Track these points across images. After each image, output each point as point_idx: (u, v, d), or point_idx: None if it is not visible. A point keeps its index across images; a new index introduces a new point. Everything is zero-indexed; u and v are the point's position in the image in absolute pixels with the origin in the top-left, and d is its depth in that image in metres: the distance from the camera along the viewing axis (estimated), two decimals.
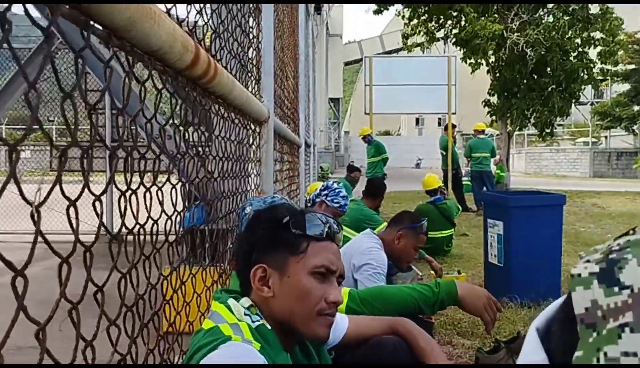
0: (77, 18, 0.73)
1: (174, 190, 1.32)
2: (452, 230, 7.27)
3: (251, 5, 2.25)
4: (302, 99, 6.24)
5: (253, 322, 1.25)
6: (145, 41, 0.93)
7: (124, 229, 0.89)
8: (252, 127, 2.39)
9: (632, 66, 27.81)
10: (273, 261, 1.30)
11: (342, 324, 1.69)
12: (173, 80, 1.20)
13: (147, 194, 1.02)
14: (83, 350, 0.76)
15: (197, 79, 1.31)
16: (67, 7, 0.70)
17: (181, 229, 1.43)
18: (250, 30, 2.30)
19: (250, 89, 2.32)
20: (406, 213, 3.34)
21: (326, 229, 1.32)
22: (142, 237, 1.00)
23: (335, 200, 3.74)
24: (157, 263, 1.16)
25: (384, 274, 3.00)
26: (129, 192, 0.92)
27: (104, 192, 0.80)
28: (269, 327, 1.26)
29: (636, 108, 28.49)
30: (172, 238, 1.30)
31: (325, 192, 3.83)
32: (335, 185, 3.91)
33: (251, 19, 2.29)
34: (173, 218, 1.30)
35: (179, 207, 1.33)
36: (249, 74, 2.32)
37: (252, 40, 2.32)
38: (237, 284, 1.84)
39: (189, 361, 1.17)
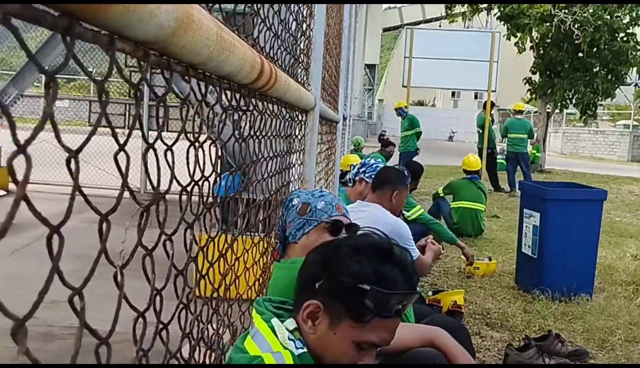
0: (161, 61, 0.73)
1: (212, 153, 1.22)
2: (483, 207, 7.22)
3: None
4: (343, 73, 6.17)
5: (297, 349, 1.24)
6: (219, 69, 0.92)
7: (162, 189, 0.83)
8: (299, 117, 2.38)
9: None
10: (330, 308, 1.25)
11: None
12: (236, 93, 1.19)
13: (190, 154, 0.96)
14: (135, 321, 0.73)
15: (258, 89, 1.30)
16: (154, 53, 0.69)
17: (219, 196, 1.35)
18: (304, 20, 2.27)
19: (299, 79, 2.30)
20: (388, 172, 3.41)
21: (398, 308, 1.23)
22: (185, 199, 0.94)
23: (373, 175, 3.79)
24: (206, 227, 1.13)
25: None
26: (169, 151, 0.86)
27: (175, 142, 0.75)
28: (311, 356, 1.25)
29: None
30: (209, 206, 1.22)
31: (363, 169, 3.88)
32: (372, 161, 3.94)
33: (305, 9, 2.25)
34: (213, 181, 1.21)
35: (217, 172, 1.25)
36: (300, 64, 2.30)
37: (305, 31, 2.29)
38: (277, 277, 1.86)
39: None
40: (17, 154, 0.40)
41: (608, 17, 14.18)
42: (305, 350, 1.25)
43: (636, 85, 31.27)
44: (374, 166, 3.83)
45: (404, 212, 5.17)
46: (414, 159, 11.47)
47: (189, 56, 0.76)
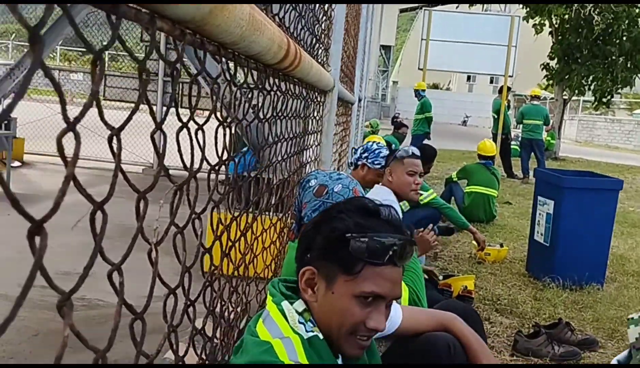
0: (195, 41, 0.73)
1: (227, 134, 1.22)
2: (497, 192, 7.20)
3: None
4: (360, 53, 6.13)
5: (307, 331, 1.25)
6: (248, 49, 0.92)
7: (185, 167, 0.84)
8: (318, 98, 2.37)
9: None
10: (323, 269, 1.26)
11: (396, 316, 1.70)
12: (262, 73, 1.19)
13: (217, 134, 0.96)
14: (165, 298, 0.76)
15: (283, 69, 1.30)
16: (190, 32, 0.70)
17: (233, 174, 1.37)
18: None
19: (319, 59, 2.29)
20: (391, 153, 3.34)
21: (389, 254, 1.23)
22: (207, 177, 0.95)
23: (376, 162, 3.78)
24: (229, 205, 1.14)
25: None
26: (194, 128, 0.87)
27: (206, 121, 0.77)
28: (321, 337, 1.26)
29: None
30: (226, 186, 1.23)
31: (366, 154, 3.87)
32: (374, 146, 3.92)
33: None
34: (227, 161, 1.23)
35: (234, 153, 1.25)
36: (321, 44, 2.28)
37: (326, 10, 2.27)
38: (291, 257, 1.88)
39: (235, 359, 1.21)
40: (67, 131, 0.41)
41: (628, 5, 13.91)
42: (314, 333, 1.26)
43: None
44: (376, 151, 3.83)
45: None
46: (423, 142, 11.48)
47: (222, 35, 0.76)
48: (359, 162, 3.90)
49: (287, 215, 2.07)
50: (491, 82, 46.05)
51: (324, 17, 2.28)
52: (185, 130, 0.75)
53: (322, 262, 1.27)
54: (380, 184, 3.22)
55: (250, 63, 1.05)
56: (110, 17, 0.49)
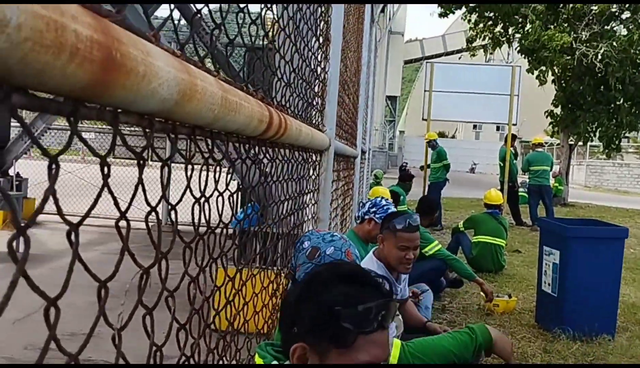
0: (166, 127, 0.77)
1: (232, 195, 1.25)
2: (505, 242, 7.15)
3: (320, 39, 2.27)
4: (361, 108, 6.23)
5: None
6: (225, 127, 0.96)
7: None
8: (313, 158, 2.42)
9: None
10: (314, 345, 1.24)
11: None
12: (245, 144, 1.23)
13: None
14: (154, 354, 0.78)
15: (268, 139, 1.34)
16: (160, 120, 0.73)
17: (237, 229, 1.38)
18: (318, 64, 2.32)
19: (314, 121, 2.35)
20: (388, 216, 3.18)
21: (378, 319, 1.23)
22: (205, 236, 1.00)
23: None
24: (223, 264, 1.16)
25: None
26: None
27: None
28: None
29: None
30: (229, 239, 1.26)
31: (374, 209, 3.85)
32: (383, 202, 3.92)
33: (320, 53, 2.31)
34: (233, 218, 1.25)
35: (237, 209, 1.29)
36: (314, 107, 2.34)
37: (319, 75, 2.34)
38: None
39: None
40: (17, 236, 0.44)
41: (633, 51, 14.11)
42: None
43: None
44: (384, 207, 3.82)
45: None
46: (442, 190, 11.48)
47: (193, 120, 0.80)
48: (367, 217, 3.90)
49: (282, 273, 2.09)
50: (497, 129, 46.36)
51: (317, 81, 2.35)
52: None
53: (312, 338, 1.24)
54: (373, 251, 3.16)
55: (231, 138, 1.09)
56: (70, 120, 0.52)
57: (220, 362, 1.33)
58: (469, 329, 2.38)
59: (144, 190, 0.67)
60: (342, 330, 1.21)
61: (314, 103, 2.29)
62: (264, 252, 1.78)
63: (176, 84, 0.66)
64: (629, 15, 14.59)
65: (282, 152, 1.69)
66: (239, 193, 1.38)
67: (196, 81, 0.74)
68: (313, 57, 2.09)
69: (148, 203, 0.75)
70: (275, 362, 1.30)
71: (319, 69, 2.32)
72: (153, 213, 0.76)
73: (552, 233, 4.80)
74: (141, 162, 0.66)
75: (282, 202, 1.77)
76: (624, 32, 14.71)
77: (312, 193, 2.47)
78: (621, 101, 14.95)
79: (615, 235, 4.65)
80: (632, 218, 14.00)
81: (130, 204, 0.67)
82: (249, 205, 1.57)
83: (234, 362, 1.49)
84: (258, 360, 1.33)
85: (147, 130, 0.70)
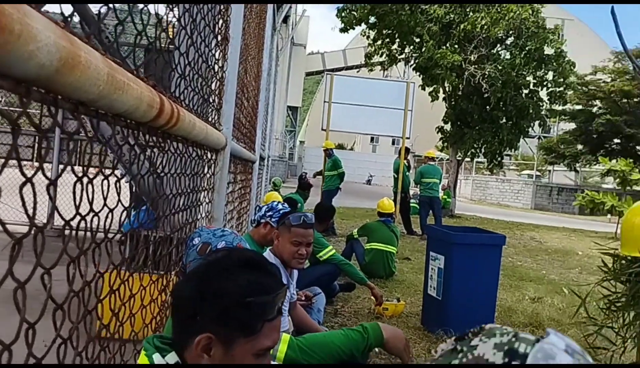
0: (47, 98, 0.75)
1: (118, 186, 1.17)
2: (396, 249, 7.44)
3: (219, 37, 2.27)
4: (261, 114, 6.25)
5: None
6: (111, 107, 0.95)
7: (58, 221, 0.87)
8: (209, 155, 2.40)
9: (579, 107, 29.09)
10: (221, 335, 1.23)
11: None
12: (135, 130, 1.21)
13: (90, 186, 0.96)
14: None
15: (159, 128, 1.32)
16: (40, 90, 0.71)
17: (122, 229, 1.34)
18: (216, 61, 2.31)
19: (210, 118, 2.33)
20: (284, 214, 3.26)
21: (279, 305, 1.28)
22: (81, 232, 0.95)
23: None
24: (94, 261, 1.10)
25: None
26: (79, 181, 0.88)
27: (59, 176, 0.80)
28: None
29: (579, 147, 29.79)
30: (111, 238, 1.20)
31: (270, 213, 3.85)
32: (279, 206, 3.93)
33: (218, 51, 2.30)
34: (117, 214, 1.20)
35: (125, 205, 1.23)
36: (211, 105, 2.33)
37: (216, 72, 2.33)
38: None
39: None
40: None
41: (514, 74, 15.26)
42: None
43: (539, 138, 33.60)
44: (281, 212, 3.83)
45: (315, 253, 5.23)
46: (335, 197, 11.78)
47: (77, 94, 0.78)
48: (262, 220, 3.88)
49: (171, 272, 2.05)
50: (393, 143, 48.16)
51: (215, 79, 2.34)
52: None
53: (219, 327, 1.24)
54: (269, 248, 3.19)
55: (118, 121, 1.07)
56: None
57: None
58: (362, 327, 2.46)
59: (18, 159, 0.64)
60: (252, 319, 1.23)
61: (211, 100, 2.28)
62: (155, 256, 1.75)
63: (57, 50, 0.65)
64: (512, 40, 15.78)
65: (174, 145, 1.67)
66: (129, 187, 1.35)
67: (80, 52, 0.73)
68: (210, 53, 2.09)
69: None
70: (156, 354, 1.27)
71: (216, 67, 2.32)
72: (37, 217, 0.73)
73: (438, 240, 5.06)
74: (15, 127, 0.64)
75: (174, 196, 1.75)
76: (508, 56, 15.88)
77: (206, 192, 2.45)
78: (504, 120, 16.10)
79: (494, 242, 4.98)
80: (511, 230, 15.06)
81: None
82: (143, 208, 1.54)
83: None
84: (142, 352, 1.30)
85: (24, 99, 0.68)
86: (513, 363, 0.68)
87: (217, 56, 2.28)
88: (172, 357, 1.28)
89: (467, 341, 0.74)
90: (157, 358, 1.25)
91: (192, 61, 1.67)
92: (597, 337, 2.74)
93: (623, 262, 2.78)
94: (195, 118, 1.70)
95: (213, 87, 2.27)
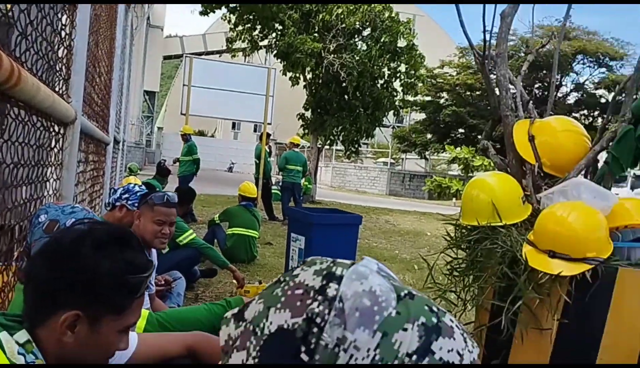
0: None
1: None
2: (257, 234, 7.48)
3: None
4: (115, 94, 5.94)
5: (27, 362, 1.16)
6: None
7: None
8: (56, 129, 2.24)
9: (429, 98, 31.23)
10: (88, 311, 1.21)
11: (131, 344, 1.66)
12: None
13: None
14: None
15: None
16: None
17: None
18: (63, 27, 2.16)
19: (57, 88, 2.18)
20: (146, 194, 3.18)
21: (146, 284, 1.27)
22: None
23: (136, 204, 3.64)
24: None
25: None
26: None
27: None
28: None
29: (429, 136, 32.03)
30: None
31: (126, 195, 3.68)
32: (136, 188, 3.79)
33: (65, 17, 2.15)
34: None
35: None
36: (57, 73, 2.17)
37: (63, 39, 2.17)
38: (20, 300, 1.71)
39: None
40: None
41: (370, 64, 15.96)
42: (37, 362, 1.17)
43: (393, 127, 35.55)
44: (138, 194, 3.68)
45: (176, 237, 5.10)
46: (190, 183, 11.53)
47: None
48: (118, 203, 3.69)
49: (11, 258, 1.89)
50: (255, 130, 48.17)
51: (61, 45, 2.19)
52: None
53: (88, 305, 1.20)
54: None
55: None
56: None
57: None
58: (225, 301, 2.46)
59: None
60: (125, 297, 1.22)
61: (58, 68, 2.13)
62: None
63: None
64: (368, 32, 16.48)
65: (15, 110, 1.54)
66: None
67: None
68: (56, 17, 1.94)
69: None
70: (3, 332, 1.18)
71: (63, 33, 2.16)
72: None
73: (298, 221, 5.18)
74: None
75: (15, 166, 1.61)
76: (364, 47, 16.56)
77: (54, 168, 2.29)
78: (361, 109, 16.80)
79: (352, 221, 5.22)
80: (368, 214, 15.81)
81: None
82: None
83: None
84: None
85: None
86: (330, 284, 0.73)
87: (63, 21, 2.12)
88: (22, 335, 1.20)
89: (290, 272, 0.78)
90: (4, 337, 1.16)
91: (34, 20, 1.55)
92: (442, 301, 2.99)
93: (463, 230, 3.06)
94: (39, 83, 1.58)
95: (60, 54, 2.12)
